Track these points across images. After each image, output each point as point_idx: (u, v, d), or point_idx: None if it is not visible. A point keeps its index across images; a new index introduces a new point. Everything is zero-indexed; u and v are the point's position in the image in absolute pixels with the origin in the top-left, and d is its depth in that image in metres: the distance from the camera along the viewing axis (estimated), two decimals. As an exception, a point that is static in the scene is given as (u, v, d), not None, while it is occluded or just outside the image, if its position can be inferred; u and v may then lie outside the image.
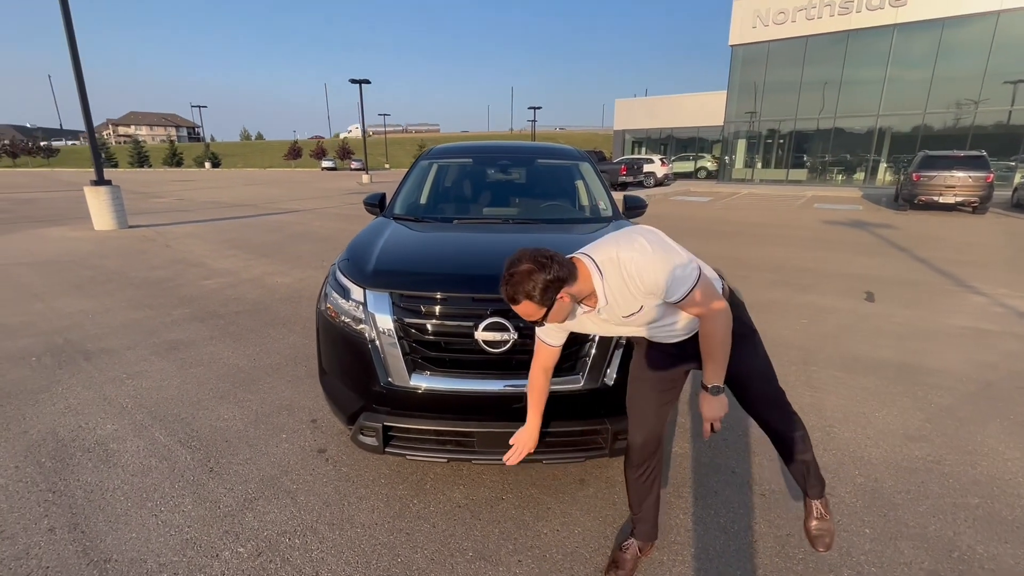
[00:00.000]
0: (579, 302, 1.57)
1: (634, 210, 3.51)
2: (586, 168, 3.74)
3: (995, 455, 2.61)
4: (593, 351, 1.97)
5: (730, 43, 26.98)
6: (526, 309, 1.47)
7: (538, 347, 1.78)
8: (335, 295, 2.21)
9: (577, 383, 1.97)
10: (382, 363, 2.02)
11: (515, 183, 3.74)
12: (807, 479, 1.84)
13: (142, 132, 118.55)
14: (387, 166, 63.76)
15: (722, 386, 1.62)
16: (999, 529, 2.07)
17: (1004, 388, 3.42)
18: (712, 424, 1.68)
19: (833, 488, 2.33)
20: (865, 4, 22.80)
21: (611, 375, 1.99)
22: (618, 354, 1.99)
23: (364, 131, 34.90)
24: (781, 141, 27.55)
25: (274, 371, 3.63)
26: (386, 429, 2.00)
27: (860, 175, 25.38)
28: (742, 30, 26.42)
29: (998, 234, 10.27)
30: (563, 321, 1.58)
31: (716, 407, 1.64)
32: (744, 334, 1.70)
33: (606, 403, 2.00)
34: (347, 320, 2.11)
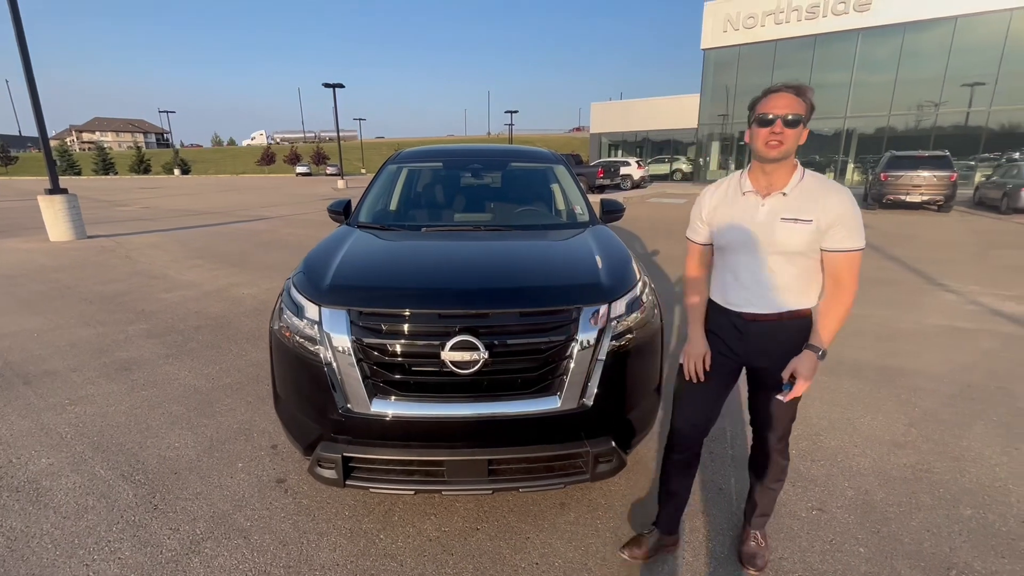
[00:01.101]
0: (763, 193, 1.61)
1: (611, 214, 3.39)
2: (561, 171, 3.61)
3: (982, 461, 2.55)
4: (572, 368, 1.82)
5: (702, 47, 27.41)
6: (801, 103, 1.51)
7: (691, 250, 1.84)
8: (288, 313, 2.01)
9: (554, 404, 1.82)
10: (340, 388, 1.83)
11: (488, 188, 3.59)
12: (757, 509, 1.91)
13: (107, 138, 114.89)
14: (363, 171, 63.00)
15: (827, 351, 1.59)
16: (994, 543, 1.99)
17: (984, 388, 3.39)
18: (799, 384, 1.57)
19: (824, 503, 2.23)
20: (831, 9, 23.39)
21: (590, 395, 1.85)
22: (597, 372, 1.85)
23: (339, 136, 34.33)
24: (753, 143, 28.04)
25: (234, 391, 3.39)
26: (346, 460, 1.82)
27: (830, 175, 25.99)
28: (713, 34, 26.86)
29: (963, 232, 10.53)
30: (785, 155, 1.54)
31: (813, 366, 1.57)
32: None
33: (586, 425, 1.85)
34: (301, 341, 1.92)
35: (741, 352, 1.72)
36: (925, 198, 13.94)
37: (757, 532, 1.93)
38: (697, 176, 29.78)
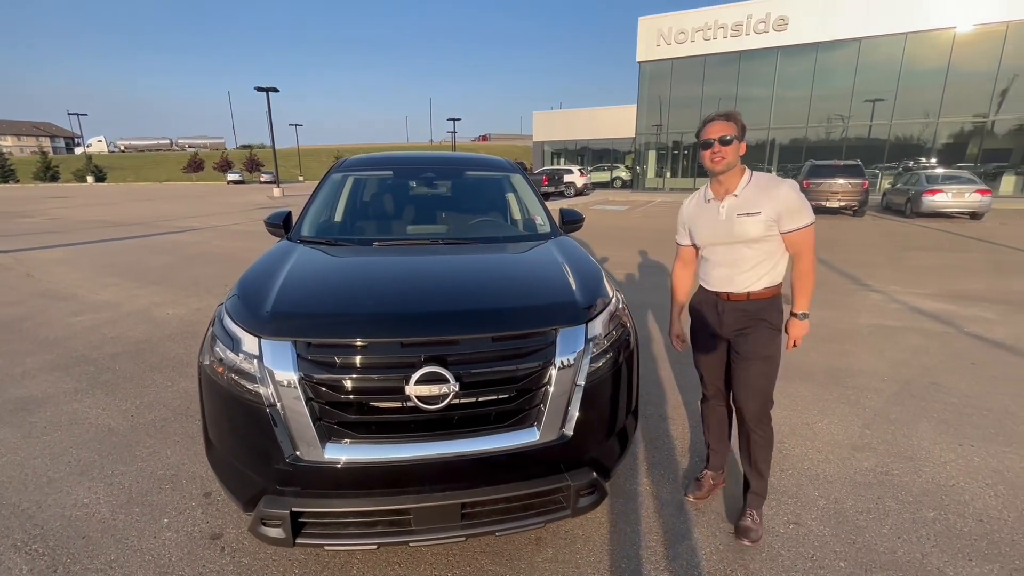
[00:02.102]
0: (720, 198, 2.01)
1: (571, 224, 3.31)
2: (518, 180, 3.49)
3: (933, 459, 2.65)
4: (551, 395, 1.68)
5: (638, 60, 28.47)
6: (732, 125, 1.92)
7: (679, 252, 2.29)
8: (221, 346, 1.74)
9: (533, 437, 1.66)
10: (287, 432, 1.59)
11: (443, 198, 3.41)
12: (751, 489, 2.12)
13: (7, 142, 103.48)
14: (301, 178, 60.58)
15: (808, 313, 2.05)
16: (960, 545, 2.03)
17: (920, 385, 3.58)
18: (796, 341, 2.08)
19: (799, 516, 2.21)
20: (753, 28, 25.01)
21: (570, 424, 1.71)
22: (577, 398, 1.72)
23: (273, 141, 32.66)
24: (686, 152, 29.42)
25: (157, 430, 2.99)
26: (295, 516, 1.57)
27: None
28: (648, 48, 27.97)
29: (877, 235, 11.44)
30: (729, 167, 1.95)
31: (802, 328, 2.06)
32: (775, 327, 2.02)
33: (566, 457, 1.71)
34: (237, 379, 1.66)
35: (720, 324, 2.09)
36: (843, 204, 15.08)
37: (753, 511, 2.11)
38: (636, 184, 30.78)
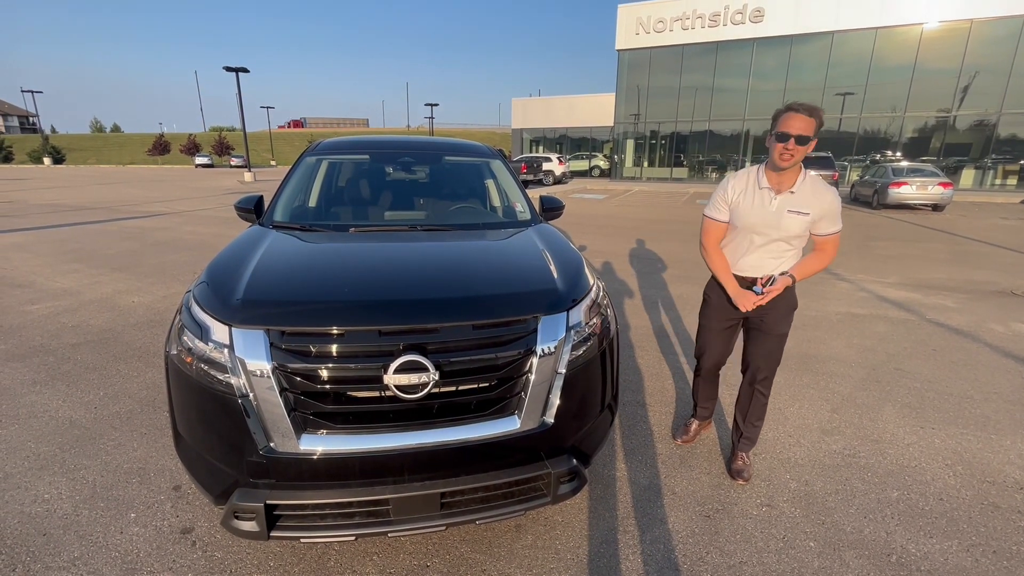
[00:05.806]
0: (776, 190, 2.10)
1: (551, 211, 3.29)
2: (498, 166, 3.45)
3: (897, 442, 2.75)
4: (531, 383, 1.66)
5: (616, 48, 28.42)
6: (812, 124, 1.93)
7: (713, 227, 2.27)
8: (189, 335, 1.67)
9: (514, 425, 1.65)
10: (260, 424, 1.54)
11: (421, 183, 3.33)
12: (743, 437, 2.40)
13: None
14: (273, 163, 58.90)
15: (796, 280, 2.19)
16: (922, 523, 2.12)
17: (885, 371, 3.71)
18: (770, 290, 2.18)
19: (772, 498, 2.27)
20: (730, 18, 25.19)
21: (551, 411, 1.70)
22: (558, 386, 1.71)
23: (244, 123, 31.56)
24: (663, 142, 29.63)
25: (124, 422, 2.88)
26: (270, 508, 1.53)
27: (731, 172, 28.07)
28: (627, 36, 27.92)
29: (845, 225, 11.71)
30: (795, 165, 2.02)
31: (784, 283, 2.18)
32: (792, 306, 2.26)
33: (547, 444, 1.71)
34: (207, 369, 1.59)
35: (738, 311, 2.25)
36: (814, 195, 15.46)
37: (743, 454, 2.41)
38: (614, 173, 30.90)
